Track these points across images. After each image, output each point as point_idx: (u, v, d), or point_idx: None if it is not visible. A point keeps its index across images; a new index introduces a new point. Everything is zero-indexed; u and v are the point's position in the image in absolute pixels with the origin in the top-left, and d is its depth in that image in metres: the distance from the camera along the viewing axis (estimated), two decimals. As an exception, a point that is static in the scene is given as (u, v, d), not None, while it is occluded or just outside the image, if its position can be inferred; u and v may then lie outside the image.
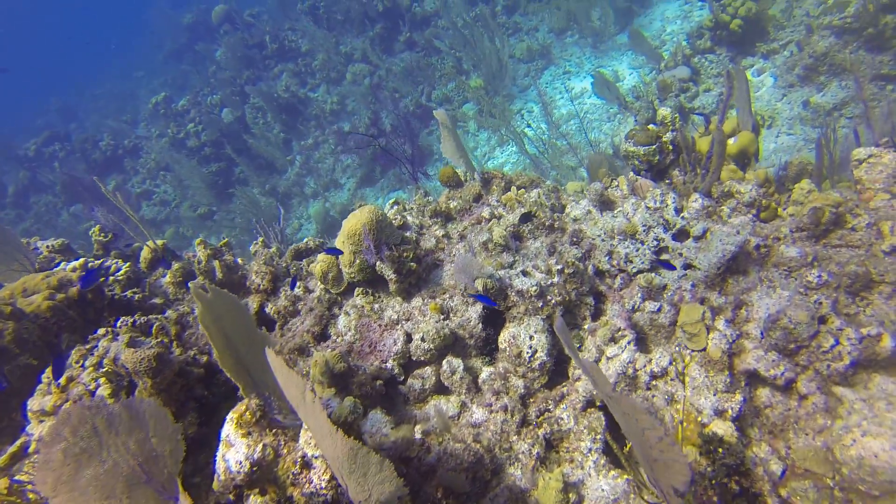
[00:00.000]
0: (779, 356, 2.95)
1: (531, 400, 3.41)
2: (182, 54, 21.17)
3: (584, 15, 12.14)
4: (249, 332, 2.89)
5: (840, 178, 4.96)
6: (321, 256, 4.20)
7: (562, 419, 3.25)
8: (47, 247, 5.86)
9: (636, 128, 4.96)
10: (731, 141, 4.91)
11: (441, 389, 3.60)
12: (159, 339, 3.18)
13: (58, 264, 5.42)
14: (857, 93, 7.03)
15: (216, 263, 4.35)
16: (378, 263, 3.95)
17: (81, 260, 5.06)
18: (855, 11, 7.23)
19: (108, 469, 2.04)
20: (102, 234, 6.11)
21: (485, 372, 3.58)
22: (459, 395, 3.47)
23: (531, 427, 3.24)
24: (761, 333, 3.04)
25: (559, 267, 3.69)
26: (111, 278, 5.06)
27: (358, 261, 3.96)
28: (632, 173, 4.64)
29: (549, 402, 3.39)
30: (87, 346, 3.23)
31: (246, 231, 13.10)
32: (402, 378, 3.65)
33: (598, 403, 3.23)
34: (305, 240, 5.33)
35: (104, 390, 2.89)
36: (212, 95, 16.58)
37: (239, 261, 5.49)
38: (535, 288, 3.54)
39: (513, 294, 3.61)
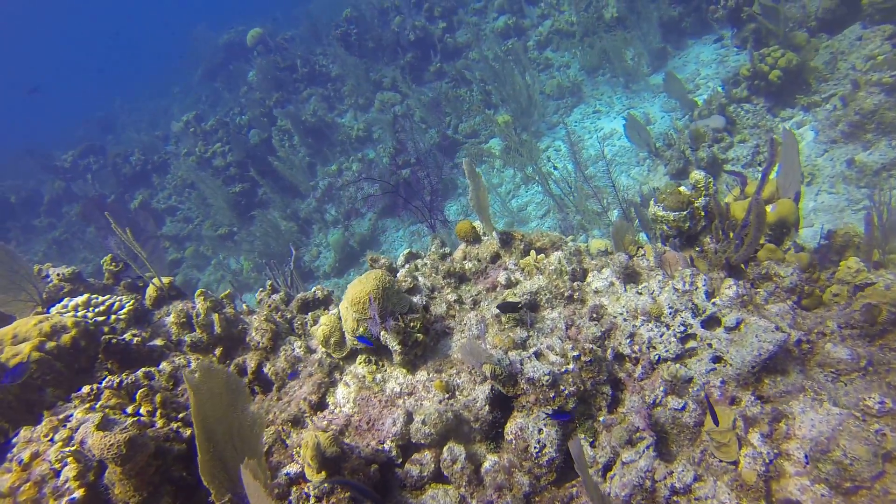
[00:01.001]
0: (830, 492, 2.59)
1: (536, 499, 3.11)
2: (216, 73, 21.57)
3: (617, 54, 11.93)
4: (237, 415, 2.67)
5: (890, 247, 4.58)
6: (323, 319, 3.98)
7: (570, 527, 2.94)
8: (58, 275, 5.77)
9: (666, 190, 4.67)
10: (768, 209, 4.58)
11: (440, 477, 3.32)
12: (136, 419, 2.96)
13: (64, 297, 5.32)
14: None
15: (215, 317, 4.16)
16: (383, 333, 3.71)
17: (85, 296, 4.93)
18: (907, 70, 6.86)
19: None
20: (113, 264, 6.01)
21: (488, 461, 3.30)
22: (458, 488, 3.19)
23: (536, 534, 2.93)
24: (805, 457, 2.69)
25: (575, 354, 3.40)
26: (113, 317, 4.91)
27: (361, 329, 3.73)
28: (659, 244, 4.34)
29: (557, 502, 3.08)
30: (60, 417, 3.03)
31: (264, 255, 13.03)
32: (400, 461, 3.38)
33: (611, 515, 2.90)
34: (314, 289, 5.13)
35: (70, 471, 2.68)
36: (241, 116, 16.76)
37: (243, 307, 5.31)
38: (547, 377, 3.25)
39: (523, 381, 3.32)
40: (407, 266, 4.84)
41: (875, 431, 2.62)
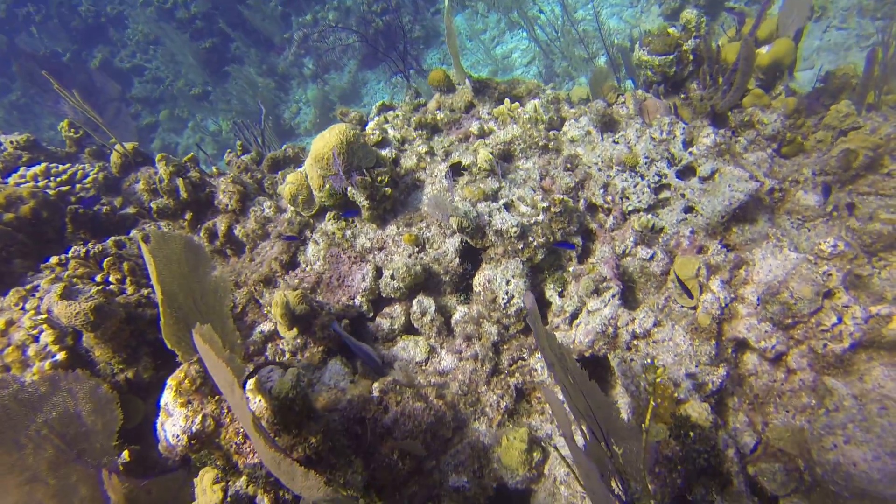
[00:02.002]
0: (772, 328, 2.68)
1: (504, 346, 3.24)
2: None
3: None
4: (199, 280, 2.65)
5: (889, 87, 4.33)
6: (290, 177, 3.85)
7: (535, 370, 3.10)
8: (11, 142, 5.48)
9: (653, 31, 4.31)
10: (763, 50, 4.27)
11: (411, 329, 3.43)
12: (102, 287, 2.95)
13: (19, 167, 5.12)
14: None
15: (180, 182, 4.02)
16: (349, 189, 3.62)
17: (42, 165, 4.73)
18: None
19: (26, 453, 1.91)
20: (73, 130, 5.71)
21: (458, 312, 3.38)
22: (429, 339, 3.30)
23: (502, 376, 3.09)
24: (758, 299, 2.75)
25: (545, 204, 3.33)
26: (78, 186, 4.76)
27: (328, 185, 3.62)
28: (640, 91, 4.08)
29: (524, 349, 3.22)
30: (27, 288, 3.03)
31: (242, 114, 12.51)
32: (372, 315, 3.47)
33: (575, 355, 3.04)
34: (284, 147, 4.94)
35: (47, 336, 2.73)
36: (201, -43, 15.01)
37: (213, 169, 5.14)
38: (515, 228, 3.22)
39: (491, 233, 3.29)
40: (376, 118, 4.61)
41: (823, 272, 2.66)
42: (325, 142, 3.53)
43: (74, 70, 12.88)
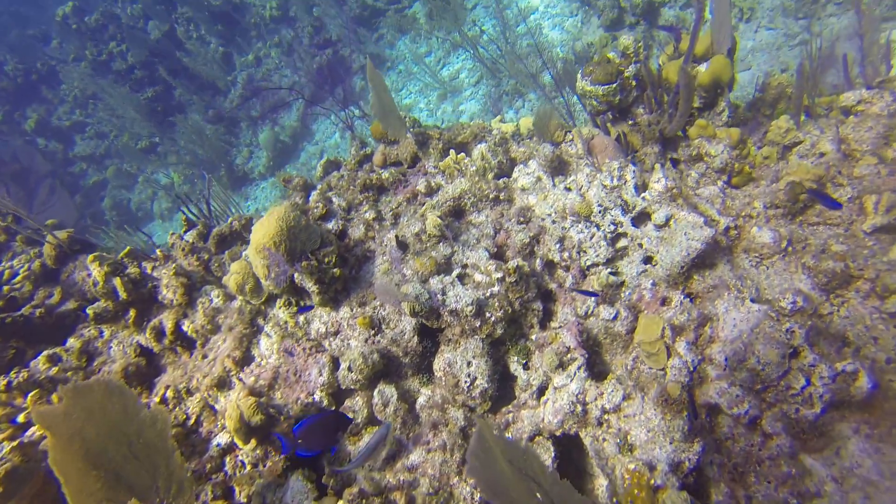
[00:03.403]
0: (743, 392, 2.58)
1: (472, 430, 3.06)
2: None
3: None
4: (131, 421, 2.43)
5: (821, 88, 4.33)
6: (233, 267, 3.65)
7: (508, 449, 2.94)
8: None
9: (594, 61, 4.24)
10: (701, 68, 4.24)
11: (375, 420, 3.24)
12: (17, 441, 2.67)
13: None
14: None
15: (117, 282, 3.78)
16: (296, 276, 3.43)
17: (-29, 271, 4.44)
18: None
19: None
20: (0, 218, 5.40)
21: (423, 395, 3.22)
22: (394, 430, 3.12)
23: (475, 463, 2.92)
24: (725, 359, 2.65)
25: (500, 275, 3.19)
26: (6, 287, 4.47)
27: (273, 275, 3.43)
28: (585, 129, 3.98)
29: (493, 429, 3.06)
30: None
31: (193, 165, 12.19)
32: (334, 409, 3.28)
33: (545, 435, 2.90)
34: (230, 220, 4.70)
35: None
36: (132, 5, 14.60)
37: (158, 252, 4.88)
38: (470, 308, 3.07)
39: (446, 314, 3.13)
40: (320, 185, 4.43)
41: (786, 330, 2.57)
42: (265, 231, 3.33)
43: (7, 133, 12.35)
